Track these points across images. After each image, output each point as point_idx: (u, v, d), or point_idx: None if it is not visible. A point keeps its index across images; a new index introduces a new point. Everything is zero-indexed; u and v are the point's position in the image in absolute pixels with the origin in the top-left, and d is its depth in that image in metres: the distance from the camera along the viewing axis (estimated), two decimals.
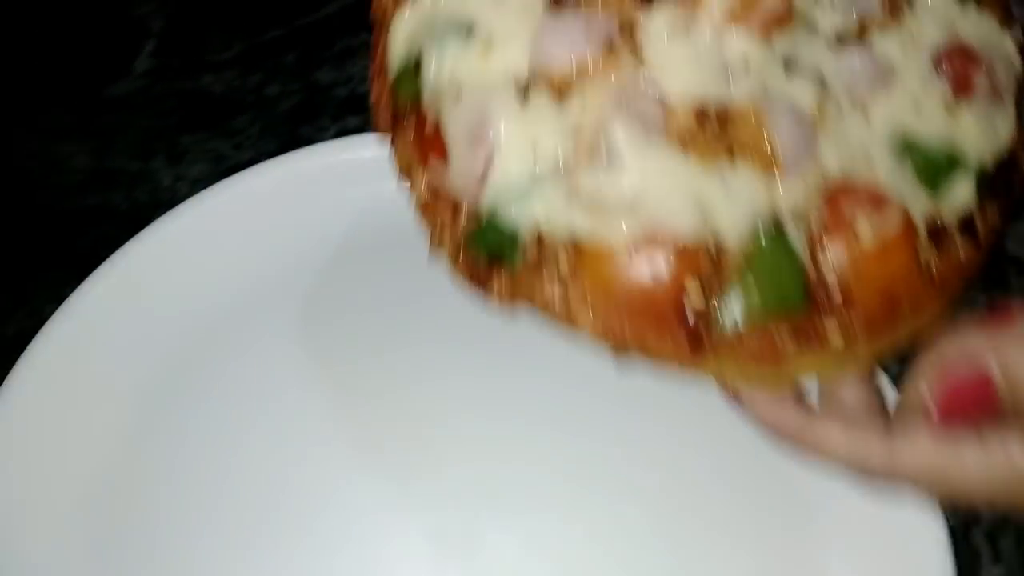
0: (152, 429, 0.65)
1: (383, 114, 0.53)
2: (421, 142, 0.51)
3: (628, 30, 0.49)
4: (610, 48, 0.49)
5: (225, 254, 0.72)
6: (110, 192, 0.85)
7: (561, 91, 0.48)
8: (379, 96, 0.53)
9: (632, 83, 0.48)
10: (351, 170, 0.74)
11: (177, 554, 0.61)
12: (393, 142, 0.53)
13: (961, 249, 0.49)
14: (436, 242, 0.51)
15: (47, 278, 0.79)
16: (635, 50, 0.49)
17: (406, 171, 0.52)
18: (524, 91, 0.48)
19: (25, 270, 0.79)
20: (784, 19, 0.51)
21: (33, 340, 0.66)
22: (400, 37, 0.52)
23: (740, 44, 0.50)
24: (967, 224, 0.50)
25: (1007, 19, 0.57)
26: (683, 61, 0.48)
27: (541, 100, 0.47)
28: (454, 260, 0.50)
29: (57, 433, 0.64)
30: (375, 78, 0.54)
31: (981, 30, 0.55)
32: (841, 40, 0.52)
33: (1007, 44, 0.56)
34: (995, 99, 0.53)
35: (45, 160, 0.87)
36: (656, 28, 0.49)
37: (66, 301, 0.67)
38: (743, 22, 0.50)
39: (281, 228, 0.73)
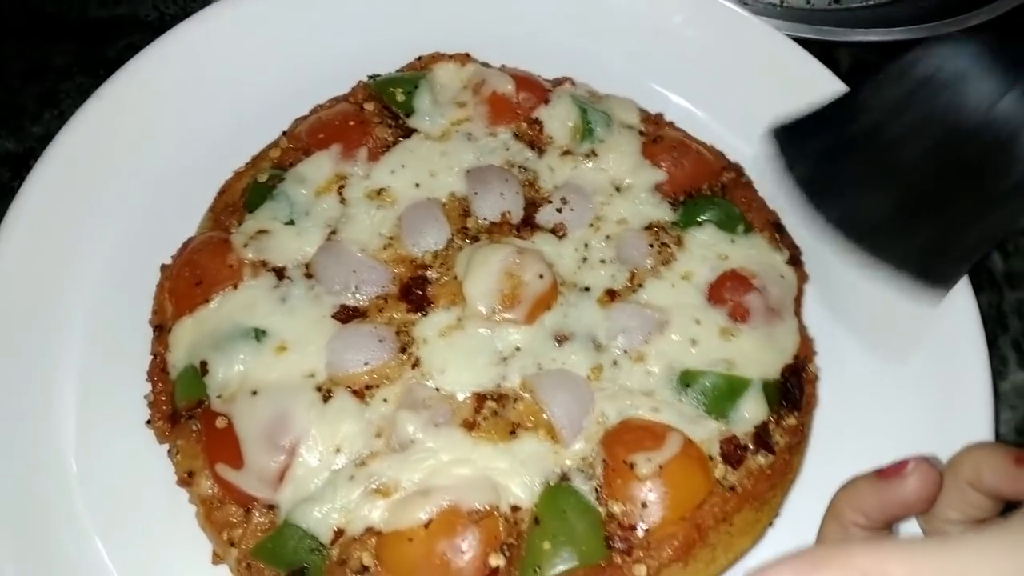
0: (158, 221, 0.66)
1: (161, 414, 0.54)
2: (209, 443, 0.51)
3: (408, 334, 0.55)
4: (400, 351, 0.54)
5: (247, 61, 0.70)
6: (138, 3, 0.85)
7: (360, 392, 0.52)
8: (158, 397, 0.54)
9: (418, 380, 0.53)
10: None
11: None
12: (172, 444, 0.53)
13: (761, 458, 0.53)
14: (222, 552, 0.51)
15: (75, 84, 0.80)
16: (414, 352, 0.54)
17: (187, 474, 0.52)
18: (325, 391, 0.52)
19: (54, 75, 0.80)
20: (549, 299, 0.56)
21: (56, 137, 0.66)
22: (182, 341, 0.54)
23: (509, 333, 0.55)
24: (762, 434, 0.53)
25: (777, 238, 0.61)
26: (457, 357, 0.54)
27: (343, 399, 0.51)
28: (243, 571, 0.50)
29: (70, 234, 0.65)
30: (153, 379, 0.55)
31: (752, 253, 0.59)
32: (613, 296, 0.57)
33: (779, 262, 0.60)
34: (772, 317, 0.56)
35: None
36: (430, 332, 0.54)
37: (86, 102, 0.68)
38: (509, 314, 0.55)
39: (306, 38, 0.71)
